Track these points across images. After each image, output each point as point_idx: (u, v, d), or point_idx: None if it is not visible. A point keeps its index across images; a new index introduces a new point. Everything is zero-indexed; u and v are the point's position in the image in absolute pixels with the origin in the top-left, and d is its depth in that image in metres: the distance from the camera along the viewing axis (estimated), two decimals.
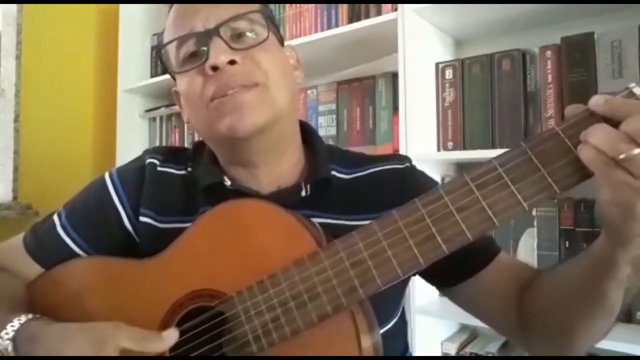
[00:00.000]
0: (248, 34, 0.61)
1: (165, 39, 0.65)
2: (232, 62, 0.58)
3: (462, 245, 0.46)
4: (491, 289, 0.63)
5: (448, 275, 0.64)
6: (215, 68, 0.58)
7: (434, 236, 0.47)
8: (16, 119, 1.75)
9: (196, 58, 0.61)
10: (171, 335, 0.52)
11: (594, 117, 0.42)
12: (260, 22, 0.62)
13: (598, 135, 0.40)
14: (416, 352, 1.11)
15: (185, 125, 1.88)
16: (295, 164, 0.68)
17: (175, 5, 0.65)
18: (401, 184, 0.68)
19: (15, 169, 1.74)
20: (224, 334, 0.54)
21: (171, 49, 0.63)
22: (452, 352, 1.20)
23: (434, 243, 0.47)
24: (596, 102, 0.42)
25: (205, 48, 0.59)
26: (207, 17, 0.60)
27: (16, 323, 0.54)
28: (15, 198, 1.73)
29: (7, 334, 0.53)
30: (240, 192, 0.63)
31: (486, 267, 0.63)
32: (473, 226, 0.46)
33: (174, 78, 0.66)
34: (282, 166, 0.66)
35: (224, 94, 0.58)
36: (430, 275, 0.67)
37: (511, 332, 0.64)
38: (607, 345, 0.90)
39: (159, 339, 0.51)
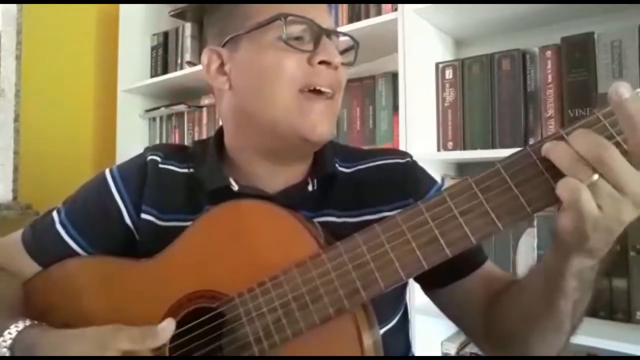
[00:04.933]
0: (347, 53, 0.65)
1: (272, 7, 0.60)
2: (336, 67, 0.61)
3: (465, 249, 0.46)
4: (468, 296, 0.65)
5: (431, 278, 0.63)
6: (324, 63, 0.59)
7: (437, 239, 0.46)
8: (16, 119, 1.75)
9: (302, 44, 0.60)
10: (167, 327, 0.51)
11: (600, 121, 0.42)
12: (353, 50, 0.67)
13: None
14: (416, 352, 1.11)
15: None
16: (308, 161, 0.68)
17: None
18: (402, 178, 0.68)
19: (15, 169, 1.74)
20: (224, 335, 0.53)
21: (285, 20, 0.59)
22: (452, 352, 1.20)
23: (437, 246, 0.46)
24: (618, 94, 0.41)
25: (317, 41, 0.60)
26: (323, 15, 0.62)
27: (13, 330, 0.54)
28: (15, 198, 1.73)
29: (4, 341, 0.53)
30: (247, 195, 0.63)
31: (469, 275, 0.64)
32: (477, 230, 0.45)
33: (226, 42, 0.63)
34: (300, 164, 0.67)
35: (319, 89, 0.60)
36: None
37: (476, 338, 0.67)
38: (607, 345, 0.90)
39: (156, 334, 0.51)
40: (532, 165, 0.44)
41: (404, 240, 0.47)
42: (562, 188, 0.41)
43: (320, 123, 0.60)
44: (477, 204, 0.45)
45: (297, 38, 0.60)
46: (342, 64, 0.62)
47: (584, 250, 0.44)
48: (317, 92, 0.60)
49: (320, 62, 0.59)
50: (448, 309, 0.69)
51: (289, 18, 0.59)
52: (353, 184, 0.67)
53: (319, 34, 0.60)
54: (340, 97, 0.64)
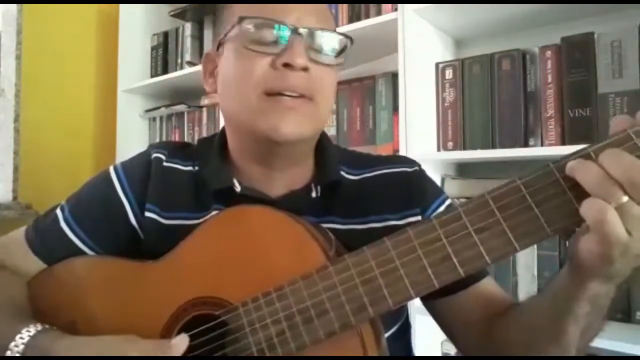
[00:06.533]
0: (326, 50, 0.61)
1: (246, 10, 0.60)
2: (304, 69, 0.58)
3: (479, 269, 0.45)
4: (463, 311, 0.63)
5: None
6: (288, 65, 0.57)
7: (450, 257, 0.45)
8: (16, 119, 1.75)
9: (267, 46, 0.59)
10: (180, 343, 0.51)
11: (631, 139, 0.40)
12: (340, 47, 0.63)
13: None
14: (416, 352, 1.10)
15: (187, 120, 1.88)
16: (308, 167, 0.68)
17: None
18: (409, 187, 0.67)
19: (15, 169, 1.74)
20: (227, 345, 0.53)
21: (248, 22, 0.59)
22: (452, 352, 1.20)
23: (450, 265, 0.45)
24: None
25: (284, 42, 0.58)
26: (300, 15, 0.59)
27: (25, 335, 0.53)
28: (15, 198, 1.73)
29: (16, 346, 0.53)
30: (249, 197, 0.63)
31: (465, 290, 0.62)
32: (492, 250, 0.44)
33: (218, 45, 0.64)
34: (297, 169, 0.66)
35: (282, 93, 0.58)
36: None
37: (468, 353, 0.65)
38: (607, 345, 0.90)
39: (169, 349, 0.50)
40: (554, 183, 0.42)
41: (415, 257, 0.46)
42: (587, 208, 0.39)
43: (284, 123, 0.57)
44: (494, 222, 0.43)
45: (265, 41, 0.59)
46: (328, 64, 0.60)
47: (604, 275, 0.42)
48: (280, 94, 0.58)
49: (285, 65, 0.57)
50: (442, 322, 0.67)
51: (251, 21, 0.58)
52: (358, 191, 0.66)
53: (286, 35, 0.58)
54: (324, 99, 0.61)
